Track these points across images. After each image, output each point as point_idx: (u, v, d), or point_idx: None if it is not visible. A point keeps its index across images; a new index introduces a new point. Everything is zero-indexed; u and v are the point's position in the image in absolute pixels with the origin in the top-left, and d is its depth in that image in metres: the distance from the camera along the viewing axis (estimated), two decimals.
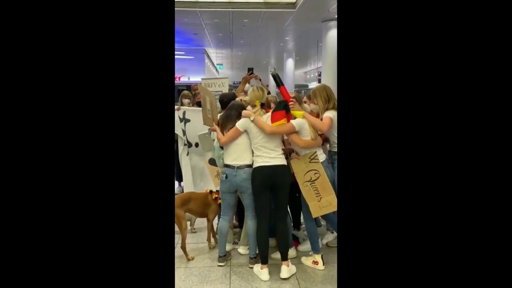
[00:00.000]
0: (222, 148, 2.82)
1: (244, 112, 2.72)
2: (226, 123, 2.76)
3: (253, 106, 2.88)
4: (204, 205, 3.15)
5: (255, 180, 2.64)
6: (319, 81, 14.27)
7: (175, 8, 10.21)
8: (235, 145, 2.71)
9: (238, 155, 2.69)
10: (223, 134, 2.73)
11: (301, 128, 2.68)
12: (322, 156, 2.81)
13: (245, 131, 2.68)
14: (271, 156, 2.64)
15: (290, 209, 3.13)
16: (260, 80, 4.29)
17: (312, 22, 10.89)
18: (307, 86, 28.27)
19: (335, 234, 3.29)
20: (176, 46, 15.90)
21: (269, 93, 3.54)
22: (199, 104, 4.33)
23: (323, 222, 3.60)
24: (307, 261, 2.89)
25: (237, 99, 3.29)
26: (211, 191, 3.19)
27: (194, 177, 3.85)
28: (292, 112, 2.70)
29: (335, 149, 2.92)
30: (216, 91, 7.43)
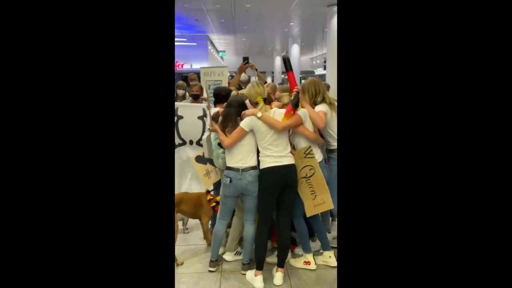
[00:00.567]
0: (220, 146, 2.60)
1: (247, 111, 2.50)
2: (226, 122, 2.54)
3: (253, 102, 2.67)
4: (197, 207, 2.99)
5: (266, 181, 2.45)
6: (325, 67, 13.97)
7: None
8: (239, 146, 2.49)
9: (243, 156, 2.49)
10: (226, 135, 2.51)
11: (306, 119, 2.53)
12: (319, 156, 2.61)
13: (251, 130, 2.47)
14: (281, 154, 2.45)
15: None
16: (256, 70, 4.06)
17: (317, 7, 10.55)
18: (313, 72, 27.87)
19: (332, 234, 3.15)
20: (178, 32, 15.69)
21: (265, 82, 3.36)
22: (194, 97, 4.12)
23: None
24: (297, 263, 2.76)
25: (233, 93, 3.08)
26: (208, 191, 3.02)
27: (185, 174, 3.61)
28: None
29: (330, 147, 2.78)
30: (216, 81, 7.22)
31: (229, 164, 2.52)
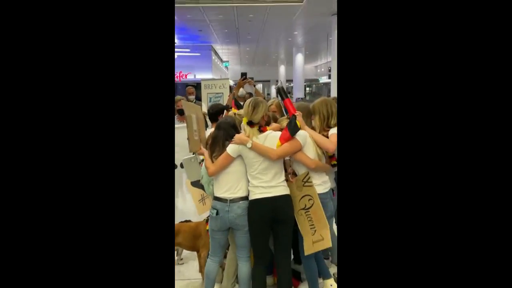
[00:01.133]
0: None
1: (237, 137, 2.19)
2: (213, 146, 2.27)
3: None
4: (195, 238, 2.75)
5: (252, 215, 2.17)
6: (329, 76, 13.81)
7: (176, 5, 9.90)
8: (226, 174, 2.22)
9: (231, 185, 2.21)
10: (212, 160, 2.25)
11: (305, 143, 2.22)
12: (327, 185, 2.35)
13: (239, 156, 2.20)
14: (271, 184, 2.15)
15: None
16: (255, 85, 3.84)
17: (321, 16, 10.43)
18: (318, 80, 27.71)
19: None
20: (181, 43, 15.66)
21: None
22: (179, 113, 3.90)
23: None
24: None
25: (230, 112, 2.84)
26: (207, 220, 2.77)
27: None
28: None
29: None
30: (217, 93, 7.03)
31: (216, 193, 2.26)
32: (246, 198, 2.21)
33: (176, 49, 15.28)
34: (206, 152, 2.31)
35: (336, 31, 10.24)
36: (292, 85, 19.98)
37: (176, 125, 3.38)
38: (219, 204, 2.21)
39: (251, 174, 2.18)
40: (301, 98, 17.60)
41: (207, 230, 2.64)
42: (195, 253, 2.85)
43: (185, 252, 3.20)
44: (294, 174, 2.33)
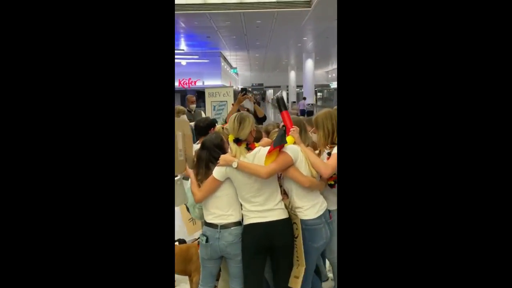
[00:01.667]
0: None
1: (222, 158, 1.97)
2: (197, 168, 2.06)
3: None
4: (186, 261, 2.55)
5: (246, 241, 1.95)
6: None
7: (182, 11, 9.77)
8: (215, 198, 2.00)
9: (221, 210, 1.99)
10: (198, 184, 2.03)
11: (296, 158, 1.96)
12: (322, 206, 2.10)
13: (228, 178, 1.97)
14: (267, 207, 1.92)
15: None
16: (255, 102, 3.64)
17: (330, 21, 10.22)
18: (328, 85, 27.44)
19: None
20: (189, 49, 15.64)
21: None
22: None
23: (330, 275, 2.89)
24: None
25: (217, 127, 2.64)
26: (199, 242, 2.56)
27: None
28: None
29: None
30: (221, 101, 6.85)
31: (206, 219, 2.04)
32: (239, 223, 1.99)
33: (184, 56, 15.30)
34: (192, 174, 2.10)
35: None
36: (302, 90, 19.72)
37: None
38: (209, 230, 1.99)
39: (244, 197, 1.95)
40: (312, 104, 17.37)
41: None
42: (187, 276, 2.66)
43: (177, 275, 3.00)
44: (286, 194, 2.09)
